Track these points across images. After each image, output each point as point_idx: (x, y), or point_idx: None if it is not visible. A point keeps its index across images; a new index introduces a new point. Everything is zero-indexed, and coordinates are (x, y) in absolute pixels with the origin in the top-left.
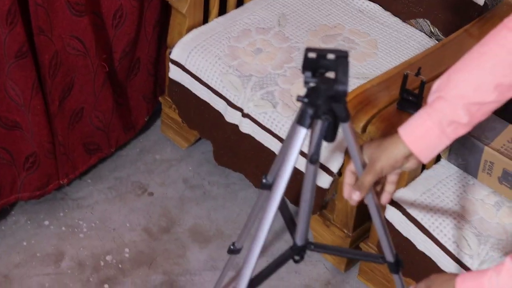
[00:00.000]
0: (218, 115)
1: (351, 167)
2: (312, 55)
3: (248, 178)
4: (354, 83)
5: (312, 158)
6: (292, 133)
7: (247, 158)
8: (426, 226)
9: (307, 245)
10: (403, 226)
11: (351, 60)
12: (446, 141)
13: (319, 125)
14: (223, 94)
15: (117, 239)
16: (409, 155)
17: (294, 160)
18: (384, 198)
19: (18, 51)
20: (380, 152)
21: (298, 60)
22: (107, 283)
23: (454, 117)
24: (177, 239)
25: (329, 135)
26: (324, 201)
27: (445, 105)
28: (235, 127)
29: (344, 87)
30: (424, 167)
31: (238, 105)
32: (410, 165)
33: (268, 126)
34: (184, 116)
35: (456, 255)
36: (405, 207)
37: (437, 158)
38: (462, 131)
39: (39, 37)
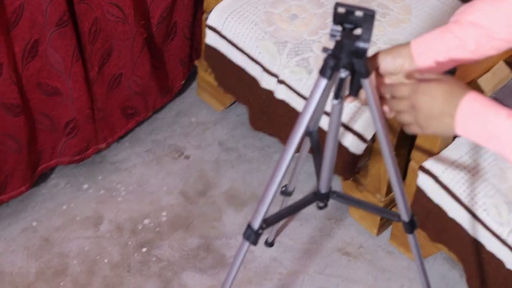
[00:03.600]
0: (254, 81)
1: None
2: (341, 10)
3: (283, 143)
4: None
5: (335, 94)
6: (315, 84)
7: (282, 123)
8: (458, 193)
9: (330, 193)
10: (435, 193)
11: (385, 26)
12: (449, 64)
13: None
14: (259, 60)
15: (155, 202)
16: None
17: (314, 104)
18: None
19: (59, 20)
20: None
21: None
22: (145, 247)
23: (462, 41)
24: (213, 203)
25: (352, 89)
26: (357, 167)
27: (458, 28)
28: (270, 93)
29: (365, 45)
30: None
31: (274, 71)
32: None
33: (303, 92)
34: (220, 80)
35: (487, 223)
36: (436, 174)
37: None
38: (467, 57)
39: (79, 5)
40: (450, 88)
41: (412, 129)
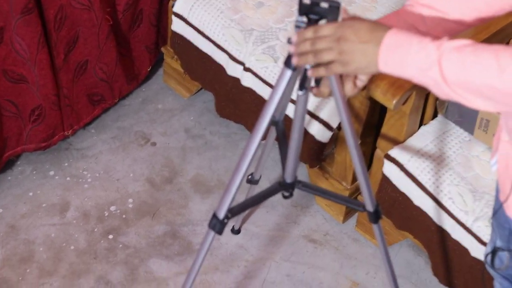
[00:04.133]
0: (220, 68)
1: None
2: (306, 1)
3: (249, 130)
4: None
5: (300, 85)
6: (280, 75)
7: (248, 111)
8: (423, 182)
9: (296, 183)
10: (400, 181)
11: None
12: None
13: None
14: (225, 47)
15: (121, 189)
16: None
17: (279, 94)
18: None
19: (24, 7)
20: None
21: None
22: (112, 234)
23: (415, 22)
24: (179, 190)
25: (317, 79)
26: (323, 154)
27: (411, 10)
28: (236, 80)
29: None
30: (421, 123)
31: (240, 59)
32: None
33: (269, 80)
34: (186, 67)
35: (452, 211)
36: (402, 163)
37: (434, 114)
38: None
39: None
40: (375, 23)
41: (333, 69)
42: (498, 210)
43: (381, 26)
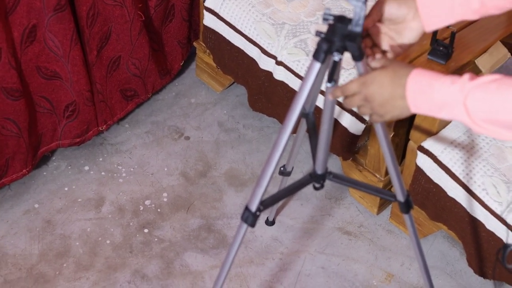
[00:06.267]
0: (252, 62)
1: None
2: None
3: (281, 123)
4: None
5: (328, 78)
6: (308, 67)
7: (280, 104)
8: (457, 173)
9: (326, 174)
10: (434, 173)
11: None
12: (451, 20)
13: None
14: (257, 41)
15: (155, 183)
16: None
17: (308, 87)
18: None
19: (56, 5)
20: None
21: (330, 8)
22: (147, 228)
23: None
24: (213, 183)
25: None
26: (357, 147)
27: None
28: (269, 74)
29: (358, 28)
30: None
31: (272, 52)
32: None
33: (301, 73)
34: (218, 62)
35: (486, 202)
36: (435, 154)
37: None
38: (470, 15)
39: None
40: (394, 71)
41: (373, 119)
42: None
43: (401, 70)
